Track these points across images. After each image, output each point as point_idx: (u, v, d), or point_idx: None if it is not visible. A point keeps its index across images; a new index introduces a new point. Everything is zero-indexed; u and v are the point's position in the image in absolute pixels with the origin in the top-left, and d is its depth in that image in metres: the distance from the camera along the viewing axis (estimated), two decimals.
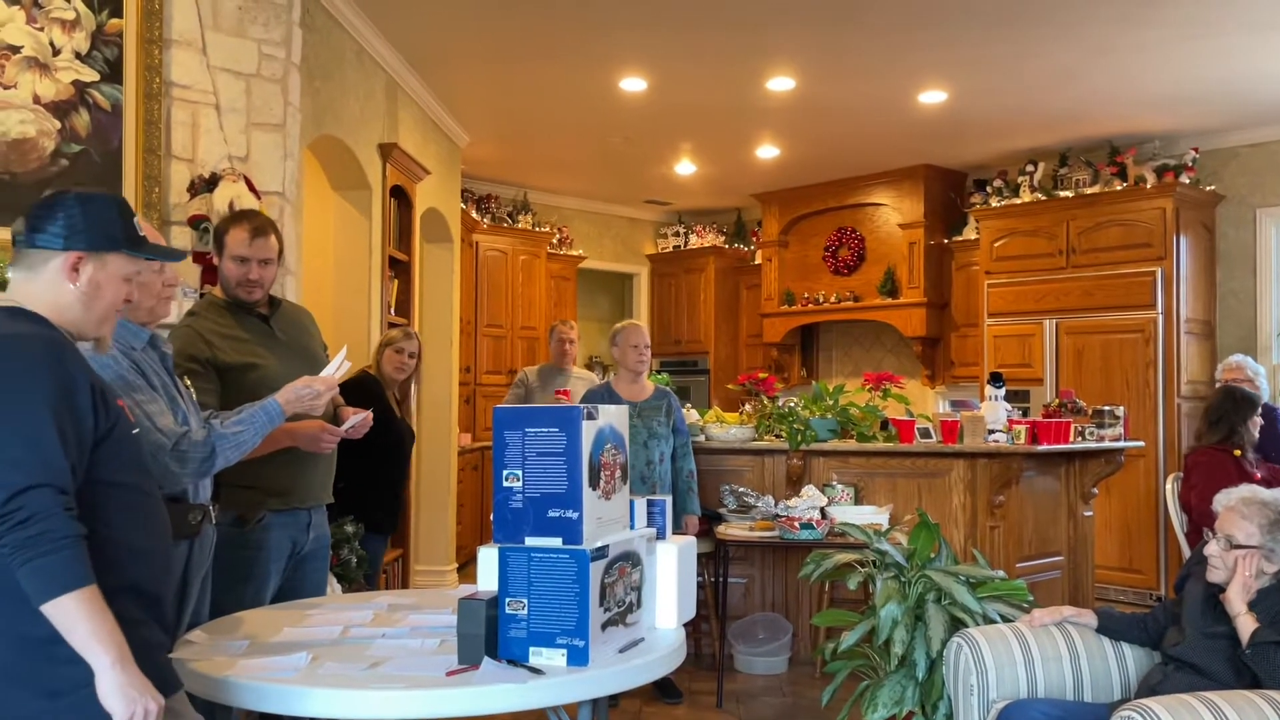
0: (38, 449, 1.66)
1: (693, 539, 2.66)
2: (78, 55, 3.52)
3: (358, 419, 2.85)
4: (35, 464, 1.65)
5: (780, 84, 5.97)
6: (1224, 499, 2.59)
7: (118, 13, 3.57)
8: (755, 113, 6.63)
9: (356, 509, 3.99)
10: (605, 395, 4.57)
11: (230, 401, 2.75)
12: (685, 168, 8.26)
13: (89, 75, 3.53)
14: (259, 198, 3.66)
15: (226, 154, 3.75)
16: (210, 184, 3.63)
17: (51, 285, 1.85)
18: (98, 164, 3.52)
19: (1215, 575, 2.53)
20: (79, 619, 1.63)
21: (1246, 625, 2.39)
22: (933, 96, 6.23)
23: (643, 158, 7.98)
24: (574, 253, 9.33)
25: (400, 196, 5.81)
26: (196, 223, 3.58)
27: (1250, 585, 2.44)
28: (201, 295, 3.37)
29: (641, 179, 8.77)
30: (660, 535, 2.55)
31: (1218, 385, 5.35)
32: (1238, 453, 4.61)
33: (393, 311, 5.71)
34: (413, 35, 5.37)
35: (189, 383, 2.52)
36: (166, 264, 2.43)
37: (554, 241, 9.02)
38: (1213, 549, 2.53)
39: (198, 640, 2.31)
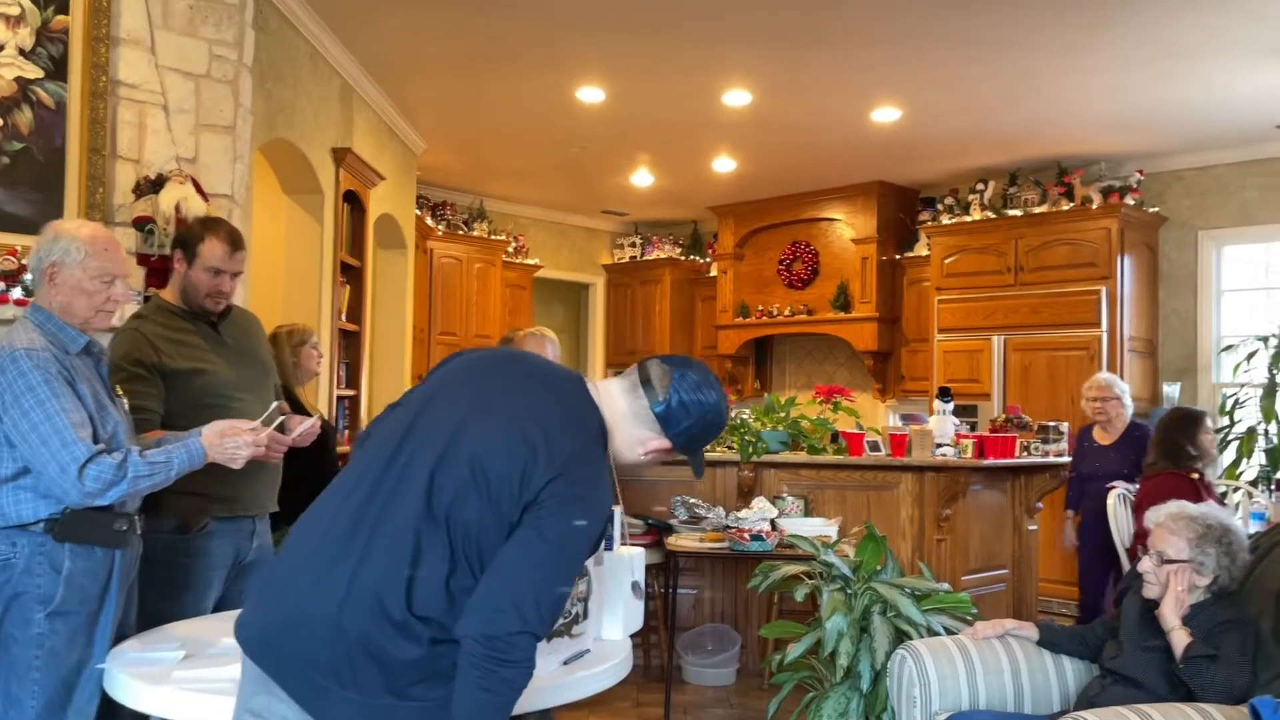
0: None
1: (640, 550, 2.66)
2: (21, 51, 3.44)
3: (305, 426, 2.81)
4: None
5: (737, 98, 6.01)
6: (1154, 516, 2.65)
7: (64, 9, 3.50)
8: (712, 126, 6.67)
9: (298, 515, 3.92)
10: None
11: (175, 407, 2.70)
12: (643, 179, 8.28)
13: (33, 72, 3.46)
14: (207, 200, 3.61)
15: (174, 155, 3.69)
16: (156, 185, 3.57)
17: None
18: (40, 162, 3.45)
19: (1150, 591, 2.58)
20: None
21: (1180, 640, 2.43)
22: (886, 114, 6.32)
23: (600, 168, 7.99)
24: (530, 261, 9.31)
25: (353, 202, 5.76)
26: (141, 224, 3.51)
27: (1183, 600, 2.49)
28: (146, 299, 3.31)
29: (599, 189, 8.78)
30: (608, 546, 2.54)
31: (1088, 401, 5.33)
32: (1194, 475, 4.60)
33: (343, 317, 5.65)
34: (370, 41, 5.33)
35: (121, 391, 2.47)
36: (119, 279, 2.39)
37: (510, 250, 9.00)
38: (1146, 565, 2.58)
39: (132, 649, 2.26)
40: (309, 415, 3.83)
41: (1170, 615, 2.47)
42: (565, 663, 2.23)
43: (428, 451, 1.67)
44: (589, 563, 2.37)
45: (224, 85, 3.83)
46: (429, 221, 8.14)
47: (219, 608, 2.82)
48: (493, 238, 8.74)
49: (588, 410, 1.76)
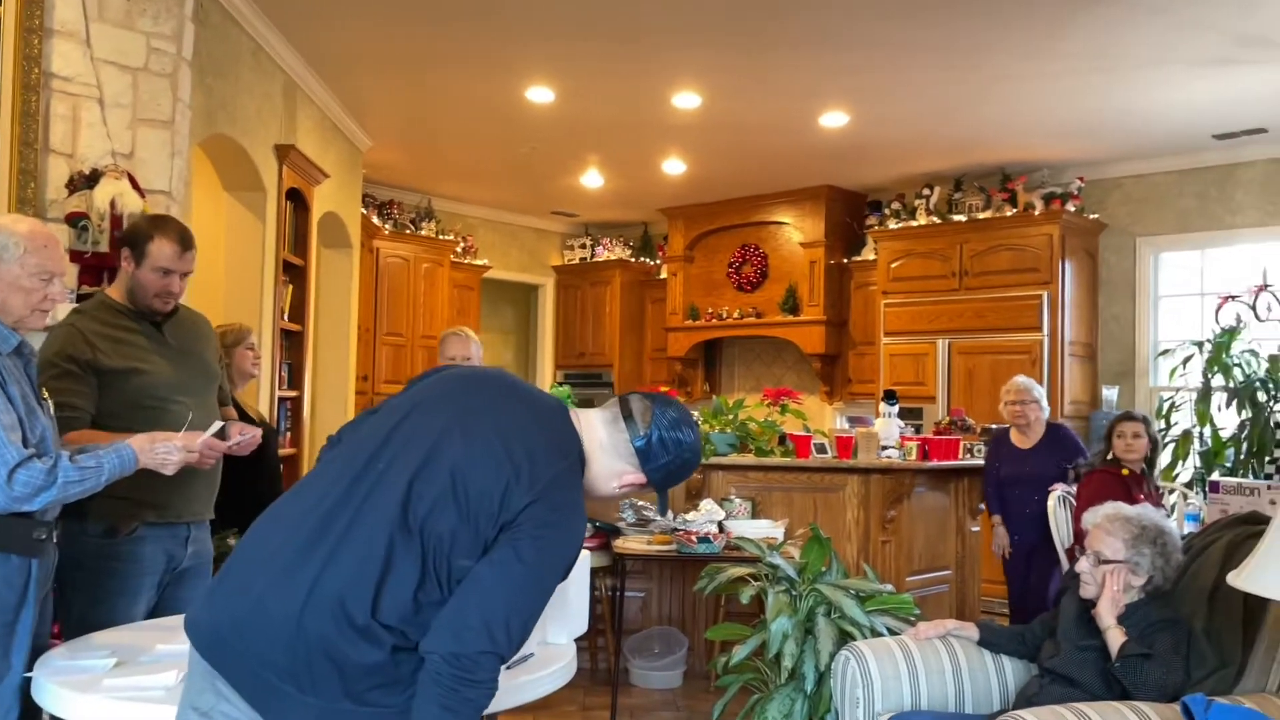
0: None
1: (585, 552, 2.64)
2: None
3: (245, 437, 2.75)
4: None
5: (686, 100, 6.02)
6: (1091, 517, 2.69)
7: None
8: (662, 128, 6.68)
9: (237, 520, 3.84)
10: None
11: (110, 406, 2.63)
12: (593, 180, 8.26)
13: None
14: (143, 196, 3.52)
15: (110, 150, 3.59)
16: (91, 180, 3.47)
17: None
18: None
19: (1086, 591, 2.62)
20: None
21: (1115, 639, 2.48)
22: (834, 119, 6.37)
23: (550, 169, 7.96)
24: (479, 262, 9.24)
25: (296, 199, 5.67)
26: (74, 220, 3.41)
27: (1119, 599, 2.54)
28: (81, 297, 3.21)
29: (549, 190, 8.74)
30: None
31: (1007, 405, 5.20)
32: (1125, 471, 4.75)
33: (286, 317, 5.55)
34: (314, 37, 5.25)
35: (47, 394, 2.39)
36: (58, 277, 2.31)
37: (458, 250, 8.92)
38: (1083, 565, 2.63)
39: (60, 657, 2.19)
40: (253, 421, 3.76)
41: (1106, 615, 2.51)
42: (508, 667, 2.20)
43: (408, 460, 1.67)
44: None
45: (162, 79, 3.74)
46: (375, 220, 8.04)
47: (153, 615, 2.75)
48: (441, 238, 8.66)
49: (569, 437, 1.77)
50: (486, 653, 1.57)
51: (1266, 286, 5.03)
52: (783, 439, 5.58)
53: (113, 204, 3.41)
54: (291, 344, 5.71)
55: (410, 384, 1.89)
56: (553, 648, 2.42)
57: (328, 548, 1.61)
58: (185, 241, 2.76)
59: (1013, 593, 5.22)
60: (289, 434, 5.69)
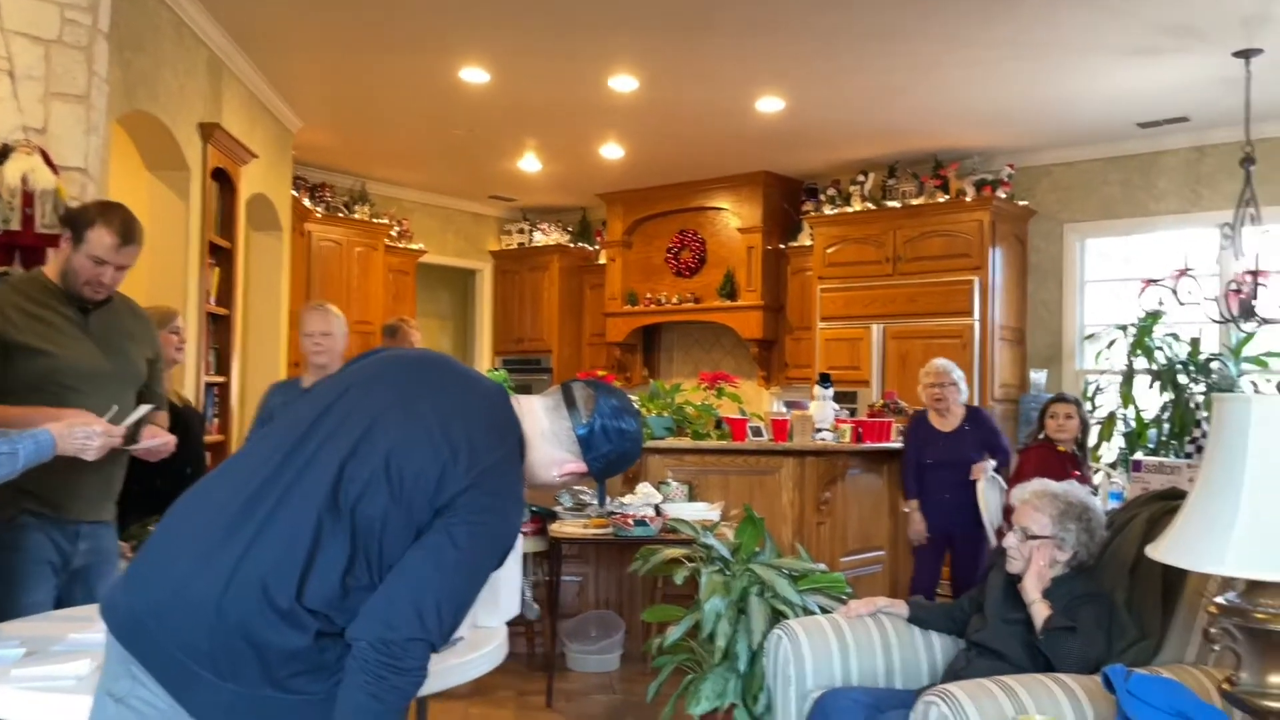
0: None
1: (519, 539, 2.61)
2: None
3: (155, 442, 2.65)
4: None
5: (623, 83, 5.99)
6: (1019, 493, 2.74)
7: None
8: (599, 111, 6.63)
9: (159, 508, 3.72)
10: (283, 391, 3.87)
11: (8, 383, 2.52)
12: (530, 164, 8.18)
13: None
14: (56, 172, 3.39)
15: (21, 124, 3.45)
16: (1, 155, 3.33)
17: None
18: None
19: (1013, 566, 2.66)
20: None
21: (1040, 612, 2.52)
22: (771, 104, 6.39)
23: (487, 152, 7.86)
24: (414, 246, 9.11)
25: (223, 180, 5.52)
26: None
27: (1044, 574, 2.59)
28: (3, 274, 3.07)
29: (486, 174, 8.65)
30: None
31: (926, 388, 5.12)
32: (1063, 448, 4.88)
33: (213, 301, 5.41)
34: (239, 13, 5.10)
35: None
36: None
37: (393, 234, 8.78)
38: (1010, 541, 2.67)
39: None
40: (176, 409, 3.64)
41: (1032, 589, 2.56)
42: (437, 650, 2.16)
43: (340, 441, 1.62)
44: None
45: (77, 52, 3.60)
46: (307, 203, 7.87)
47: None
48: (375, 221, 8.52)
49: (509, 423, 1.73)
50: (416, 639, 1.53)
51: (1187, 270, 5.16)
52: (719, 424, 5.60)
53: (24, 180, 3.28)
54: (219, 328, 5.56)
55: (347, 365, 1.85)
56: (483, 631, 2.39)
57: (252, 529, 1.56)
58: (127, 235, 2.64)
59: (921, 579, 5.04)
60: (216, 420, 5.54)
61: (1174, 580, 2.59)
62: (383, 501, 1.57)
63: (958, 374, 5.18)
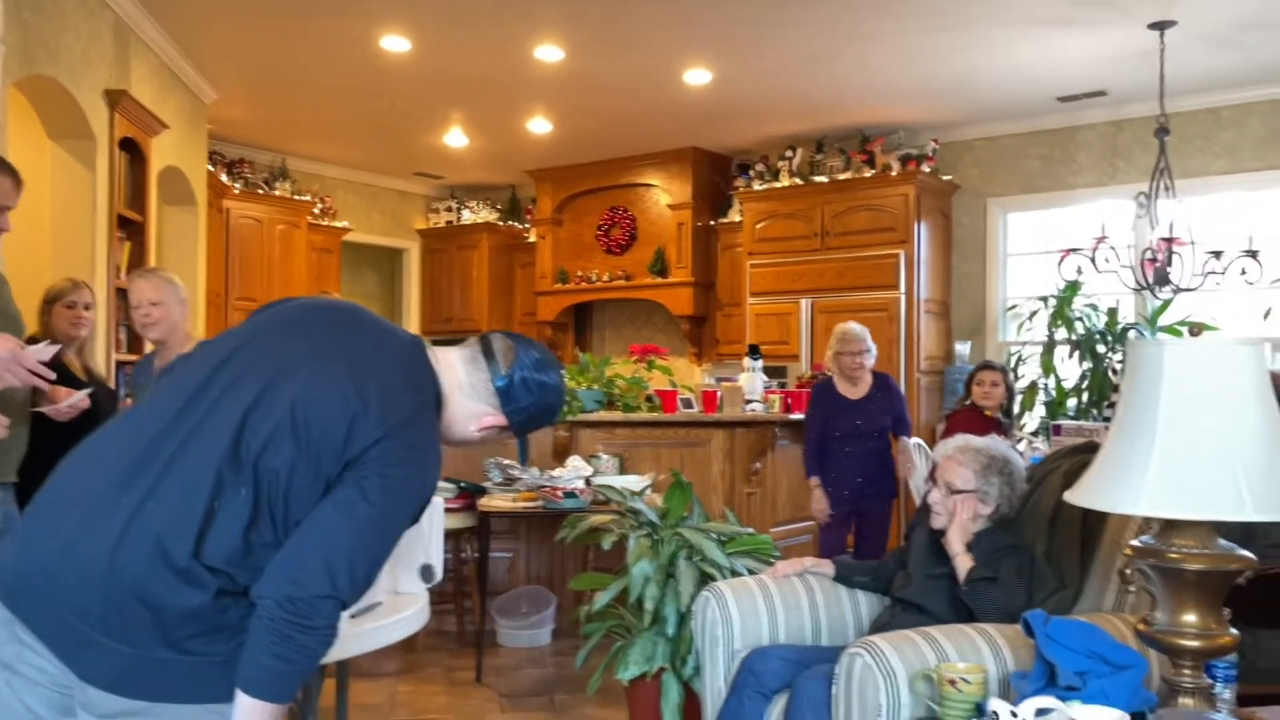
0: None
1: (439, 499, 2.55)
2: None
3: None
4: None
5: (548, 53, 5.90)
6: (942, 449, 2.75)
7: None
8: (525, 83, 6.53)
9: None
10: (140, 371, 3.73)
11: None
12: (456, 139, 8.04)
13: None
14: None
15: None
16: None
17: None
18: None
19: (938, 521, 2.68)
20: None
21: (964, 564, 2.55)
22: (698, 76, 6.36)
23: (411, 126, 7.71)
24: (338, 224, 8.91)
25: (132, 150, 5.31)
26: None
27: (968, 527, 2.61)
28: None
29: (411, 149, 8.48)
30: None
31: (843, 356, 4.87)
32: (989, 414, 4.96)
33: (123, 275, 5.20)
34: None
35: None
36: None
37: (315, 211, 8.57)
38: (935, 496, 2.69)
39: None
40: (80, 384, 3.48)
41: (955, 542, 2.58)
42: (353, 616, 2.10)
43: (243, 390, 1.53)
44: None
45: None
46: (224, 179, 7.64)
47: None
48: (297, 198, 8.30)
49: (425, 375, 1.67)
50: (325, 597, 1.45)
51: (1105, 239, 5.27)
52: (650, 399, 5.58)
53: None
54: (129, 308, 5.34)
55: (253, 314, 1.75)
56: (403, 596, 2.32)
57: (147, 483, 1.48)
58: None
59: (826, 554, 4.55)
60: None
61: (1092, 531, 2.63)
62: (288, 454, 1.50)
63: (870, 339, 4.98)
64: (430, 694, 4.10)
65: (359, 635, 2.02)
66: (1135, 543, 2.00)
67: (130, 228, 5.32)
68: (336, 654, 2.01)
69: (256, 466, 1.49)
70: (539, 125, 7.60)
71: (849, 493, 4.81)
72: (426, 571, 2.21)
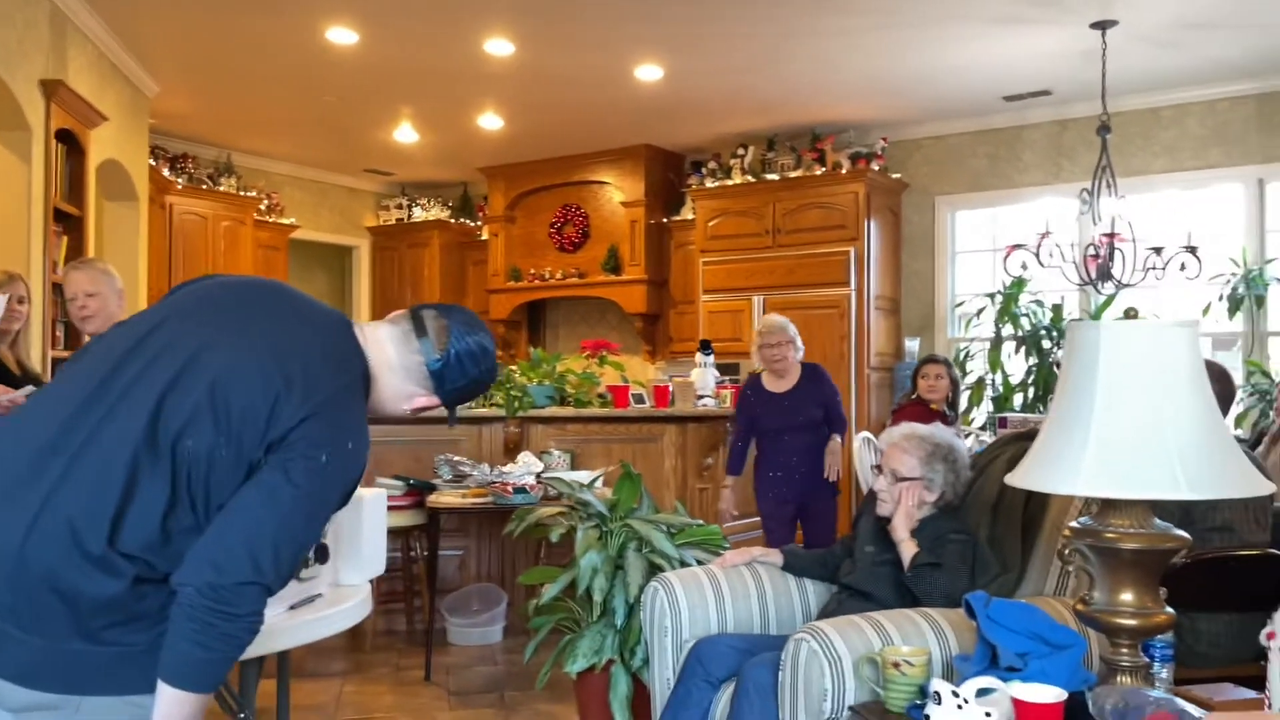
0: None
1: (382, 492, 2.51)
2: None
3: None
4: None
5: (499, 47, 5.86)
6: (887, 437, 2.77)
7: None
8: (475, 77, 6.48)
9: None
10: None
11: None
12: (406, 134, 7.96)
13: None
14: None
15: None
16: None
17: None
18: None
19: (883, 509, 2.69)
20: None
21: (908, 551, 2.56)
22: (649, 72, 6.35)
23: (360, 121, 7.61)
24: (285, 221, 8.77)
25: (69, 142, 5.17)
26: None
27: (913, 514, 2.62)
28: None
29: (360, 145, 8.38)
30: None
31: (763, 348, 4.73)
32: (935, 407, 5.02)
33: (59, 271, 5.07)
34: None
35: None
36: None
37: (262, 208, 8.43)
38: (880, 484, 2.70)
39: None
40: (14, 378, 3.38)
41: (900, 528, 2.59)
42: (292, 607, 2.06)
43: (159, 371, 1.48)
44: None
45: None
46: (167, 174, 7.49)
47: None
48: (243, 194, 8.16)
49: (351, 353, 1.62)
50: (249, 583, 1.41)
51: (1049, 234, 5.35)
52: (602, 395, 5.56)
53: None
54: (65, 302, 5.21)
55: (171, 291, 1.69)
56: (345, 588, 2.28)
57: (59, 468, 1.42)
58: None
59: (774, 540, 4.63)
60: None
61: (1033, 517, 2.66)
62: (208, 437, 1.45)
63: (794, 330, 4.78)
64: (377, 693, 4.04)
65: (298, 626, 1.97)
66: (1074, 524, 2.02)
67: (68, 222, 5.19)
68: (276, 645, 1.97)
69: (175, 450, 1.44)
70: (490, 121, 7.55)
71: (790, 490, 4.69)
72: (321, 551, 2.16)
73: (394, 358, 1.65)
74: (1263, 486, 1.88)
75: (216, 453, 1.45)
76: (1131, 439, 1.84)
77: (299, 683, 4.10)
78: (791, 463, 4.68)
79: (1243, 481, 1.86)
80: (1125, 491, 1.86)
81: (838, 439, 4.76)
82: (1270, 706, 1.81)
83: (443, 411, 1.76)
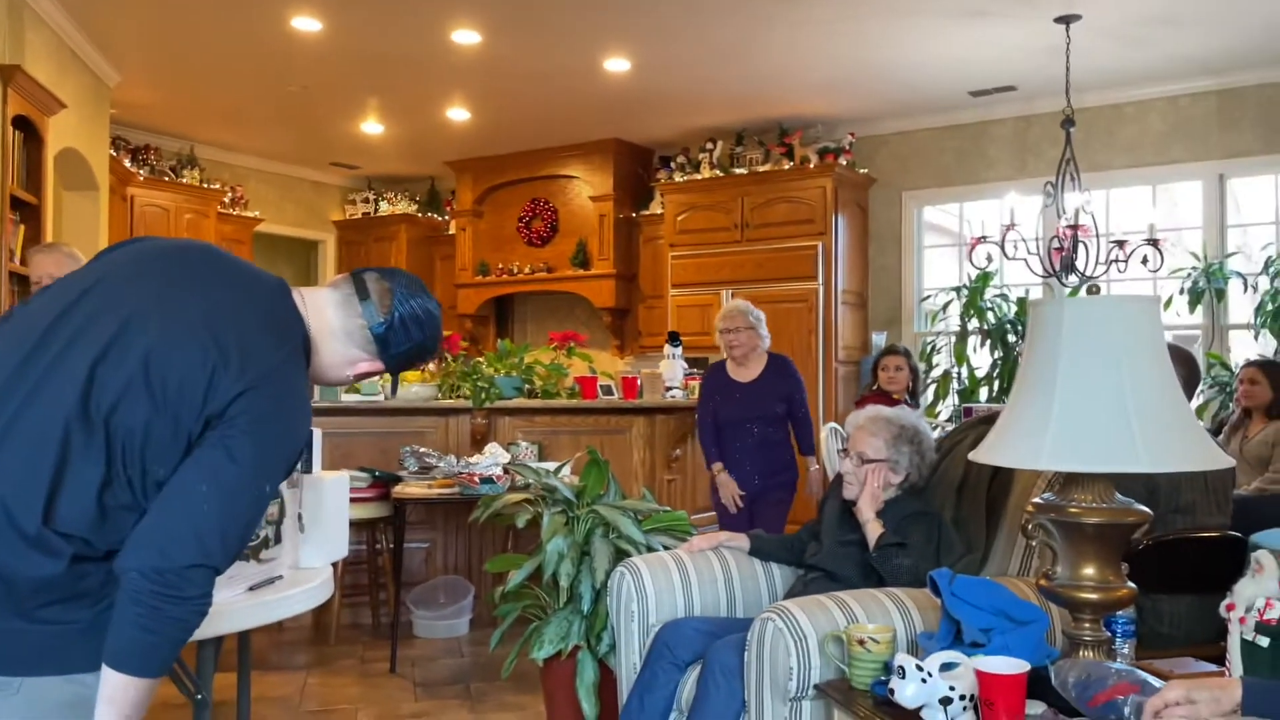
0: None
1: (344, 474, 2.48)
2: None
3: None
4: None
5: (465, 36, 5.81)
6: (853, 420, 2.78)
7: None
8: (442, 68, 6.44)
9: None
10: None
11: None
12: (373, 127, 7.89)
13: None
14: None
15: None
16: None
17: None
18: None
19: (849, 491, 2.70)
20: None
21: (874, 531, 2.57)
22: (617, 65, 6.34)
23: (326, 113, 7.54)
24: (249, 214, 8.66)
25: (27, 130, 5.07)
26: None
27: (878, 495, 2.63)
28: None
29: (326, 138, 8.29)
30: (307, 468, 2.35)
31: (722, 334, 4.59)
32: (896, 397, 5.05)
33: (16, 260, 4.97)
34: None
35: None
36: None
37: (225, 200, 8.32)
38: (846, 466, 2.70)
39: None
40: None
41: (866, 509, 2.60)
42: (251, 588, 2.02)
43: (90, 340, 1.42)
44: (282, 484, 2.17)
45: None
46: (129, 165, 7.37)
47: None
48: (206, 186, 8.05)
49: (291, 320, 1.56)
50: (197, 566, 1.37)
51: (1014, 225, 5.40)
52: (571, 388, 5.54)
53: None
54: (25, 291, 5.11)
55: (100, 254, 1.62)
56: (305, 571, 2.25)
57: None
58: None
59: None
60: None
61: (997, 498, 2.68)
62: (143, 411, 1.39)
63: (756, 315, 4.56)
64: (341, 685, 4.00)
65: (257, 606, 1.94)
66: (1037, 499, 2.03)
67: (25, 210, 5.09)
68: (234, 625, 1.94)
69: (108, 425, 1.39)
70: (457, 113, 7.51)
71: (744, 483, 4.49)
72: (277, 533, 2.13)
73: (335, 322, 1.61)
74: (1221, 460, 1.90)
75: (152, 428, 1.40)
76: (1093, 413, 1.85)
77: (262, 675, 4.05)
78: (747, 456, 4.49)
79: (1202, 455, 1.88)
80: (1087, 465, 1.87)
81: (813, 464, 4.61)
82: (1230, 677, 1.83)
83: (403, 400, 1.72)
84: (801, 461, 4.63)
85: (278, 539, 2.15)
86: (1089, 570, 1.95)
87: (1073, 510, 1.93)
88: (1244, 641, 1.81)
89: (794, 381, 4.59)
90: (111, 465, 1.39)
